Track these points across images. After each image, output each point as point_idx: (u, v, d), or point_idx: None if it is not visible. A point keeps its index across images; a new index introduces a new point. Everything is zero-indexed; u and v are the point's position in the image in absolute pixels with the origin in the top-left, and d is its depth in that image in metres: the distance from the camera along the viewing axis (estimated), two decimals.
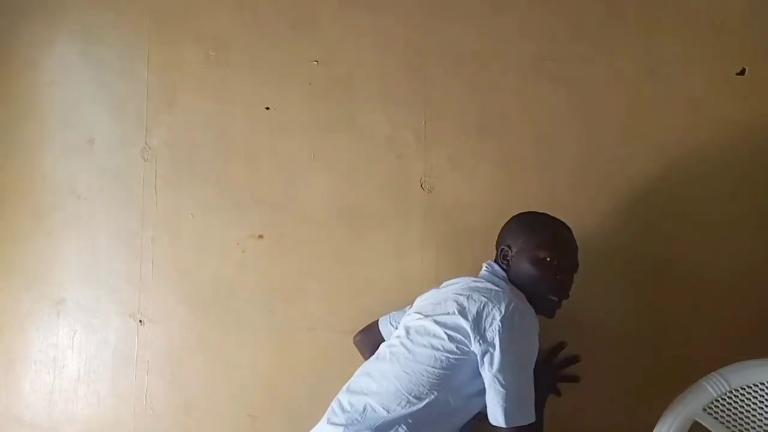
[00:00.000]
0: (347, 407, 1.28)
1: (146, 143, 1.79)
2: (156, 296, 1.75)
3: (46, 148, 1.85)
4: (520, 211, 1.42)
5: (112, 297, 1.78)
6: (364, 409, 1.25)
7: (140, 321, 1.76)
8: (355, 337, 1.57)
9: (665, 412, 1.23)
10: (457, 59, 1.66)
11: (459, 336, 1.23)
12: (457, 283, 1.36)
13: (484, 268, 1.39)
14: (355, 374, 1.37)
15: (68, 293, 1.80)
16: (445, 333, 1.24)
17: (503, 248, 1.36)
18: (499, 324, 1.19)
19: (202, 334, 1.72)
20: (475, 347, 1.21)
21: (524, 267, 1.31)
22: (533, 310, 1.25)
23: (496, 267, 1.37)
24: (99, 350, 1.78)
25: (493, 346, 1.19)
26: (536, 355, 1.24)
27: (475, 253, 1.56)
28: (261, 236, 1.71)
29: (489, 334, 1.20)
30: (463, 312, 1.24)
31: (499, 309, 1.21)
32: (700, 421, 1.22)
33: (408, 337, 1.31)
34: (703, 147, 1.55)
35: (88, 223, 1.80)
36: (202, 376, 1.71)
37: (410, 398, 1.23)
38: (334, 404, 1.32)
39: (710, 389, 1.20)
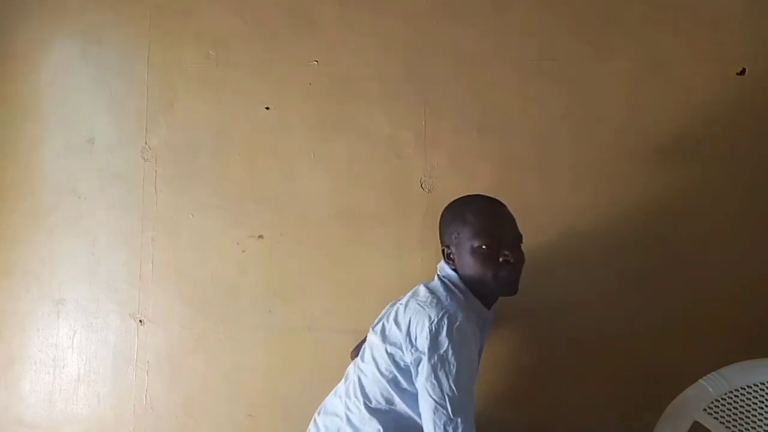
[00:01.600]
0: (322, 429, 1.32)
1: (146, 143, 1.79)
2: (156, 296, 1.75)
3: (46, 148, 1.85)
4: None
5: (112, 297, 1.78)
6: (338, 430, 1.28)
7: (140, 321, 1.76)
8: (352, 352, 1.56)
9: (665, 412, 1.23)
10: (457, 59, 1.66)
11: (395, 349, 1.23)
12: (410, 292, 1.33)
13: (438, 270, 1.35)
14: (329, 394, 1.40)
15: (68, 293, 1.80)
16: (385, 348, 1.24)
17: (443, 249, 1.32)
18: (428, 331, 1.17)
19: (201, 333, 1.72)
20: (408, 357, 1.20)
21: (466, 260, 1.25)
22: (468, 319, 1.20)
23: (447, 269, 1.31)
24: (99, 350, 1.78)
25: (423, 354, 1.17)
26: (472, 363, 1.19)
27: None
28: (261, 236, 1.71)
29: (419, 342, 1.19)
30: (398, 322, 1.24)
31: (429, 316, 1.19)
32: (700, 421, 1.22)
33: (362, 356, 1.32)
34: (703, 147, 1.55)
35: (88, 222, 1.80)
36: (202, 376, 1.71)
37: (373, 414, 1.24)
38: (311, 426, 1.35)
39: (710, 389, 1.20)
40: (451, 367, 1.15)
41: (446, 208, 1.34)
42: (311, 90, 1.71)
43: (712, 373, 1.22)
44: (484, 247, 1.22)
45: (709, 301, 1.52)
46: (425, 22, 1.68)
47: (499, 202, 1.29)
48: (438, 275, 1.33)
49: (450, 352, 1.16)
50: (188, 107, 1.77)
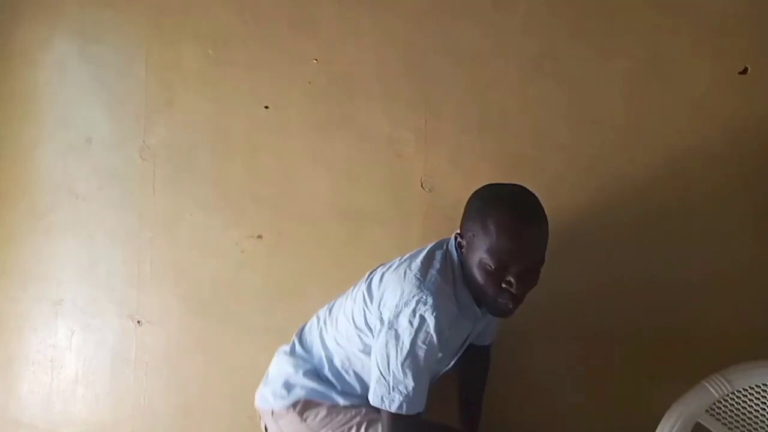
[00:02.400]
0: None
1: (144, 142, 1.78)
2: (154, 297, 1.75)
3: (44, 148, 1.84)
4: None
5: (110, 297, 1.77)
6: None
7: (138, 321, 1.75)
8: None
9: (667, 414, 1.23)
10: (457, 59, 1.65)
11: (368, 304, 1.26)
12: (414, 252, 1.31)
13: (451, 240, 1.28)
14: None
15: (66, 294, 1.80)
16: (363, 293, 1.29)
17: (456, 236, 1.24)
18: (394, 306, 1.17)
19: (200, 334, 1.71)
20: (372, 318, 1.24)
21: (473, 264, 1.17)
22: (445, 310, 1.16)
23: (455, 252, 1.25)
24: (97, 351, 1.77)
25: (383, 323, 1.18)
26: (431, 351, 1.15)
27: None
28: (260, 236, 1.70)
29: (384, 312, 1.20)
30: (382, 281, 1.26)
31: (403, 291, 1.17)
32: (702, 423, 1.21)
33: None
34: (704, 146, 1.55)
35: (86, 222, 1.80)
36: (201, 377, 1.71)
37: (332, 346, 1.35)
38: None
39: (712, 391, 1.20)
40: (403, 349, 1.15)
41: (477, 197, 1.22)
42: (311, 89, 1.71)
43: (715, 374, 1.22)
44: (490, 266, 1.13)
45: (711, 301, 1.52)
46: (425, 22, 1.67)
47: (532, 217, 1.16)
48: (448, 247, 1.27)
49: (406, 334, 1.15)
50: (187, 106, 1.77)
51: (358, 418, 1.29)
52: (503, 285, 1.14)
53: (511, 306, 1.17)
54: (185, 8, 1.78)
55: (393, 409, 1.16)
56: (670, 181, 1.55)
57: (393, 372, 1.15)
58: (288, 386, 1.35)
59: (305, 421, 1.31)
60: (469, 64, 1.65)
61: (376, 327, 1.22)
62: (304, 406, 1.32)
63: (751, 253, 1.52)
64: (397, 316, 1.16)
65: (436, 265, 1.22)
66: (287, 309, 1.67)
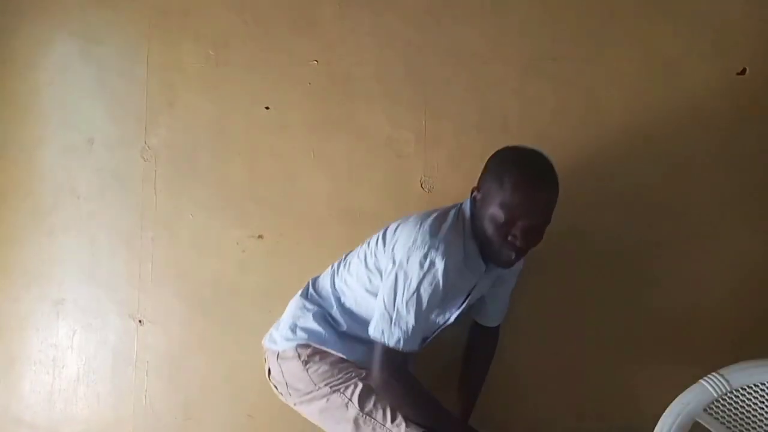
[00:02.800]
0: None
1: (146, 143, 1.79)
2: (155, 296, 1.75)
3: (46, 148, 1.84)
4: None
5: (112, 297, 1.77)
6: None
7: (140, 321, 1.75)
8: None
9: (665, 413, 1.23)
10: (457, 59, 1.66)
11: (381, 248, 1.33)
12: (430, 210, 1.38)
13: (465, 201, 1.36)
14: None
15: (68, 293, 1.80)
16: (378, 241, 1.36)
17: (473, 190, 1.33)
18: (407, 248, 1.24)
19: (201, 334, 1.72)
20: (382, 261, 1.30)
21: (484, 216, 1.25)
22: (454, 260, 1.24)
23: (468, 206, 1.33)
24: (98, 350, 1.78)
25: (394, 262, 1.25)
26: (434, 297, 1.23)
27: None
28: (261, 236, 1.71)
29: (396, 251, 1.27)
30: (396, 230, 1.33)
31: (416, 238, 1.24)
32: (700, 422, 1.21)
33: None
34: (703, 147, 1.55)
35: (88, 223, 1.80)
36: (202, 376, 1.71)
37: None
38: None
39: (711, 389, 1.20)
40: (410, 288, 1.22)
41: (498, 156, 1.31)
42: (311, 90, 1.71)
43: (713, 373, 1.22)
44: (500, 219, 1.22)
45: (711, 300, 1.52)
46: (425, 22, 1.67)
47: (544, 180, 1.25)
48: (462, 206, 1.35)
49: (415, 275, 1.22)
50: (188, 107, 1.77)
51: (356, 380, 1.32)
52: (509, 238, 1.23)
53: (513, 257, 1.26)
54: (186, 9, 1.79)
55: (391, 343, 1.22)
56: (669, 181, 1.55)
57: (397, 308, 1.22)
58: (294, 328, 1.38)
59: (307, 370, 1.34)
60: (469, 65, 1.65)
61: (386, 269, 1.28)
62: (309, 355, 1.34)
63: (751, 252, 1.52)
64: (408, 257, 1.23)
65: (449, 219, 1.30)
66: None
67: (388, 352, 1.23)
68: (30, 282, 1.83)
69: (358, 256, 1.39)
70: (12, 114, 1.87)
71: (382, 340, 1.23)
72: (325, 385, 1.33)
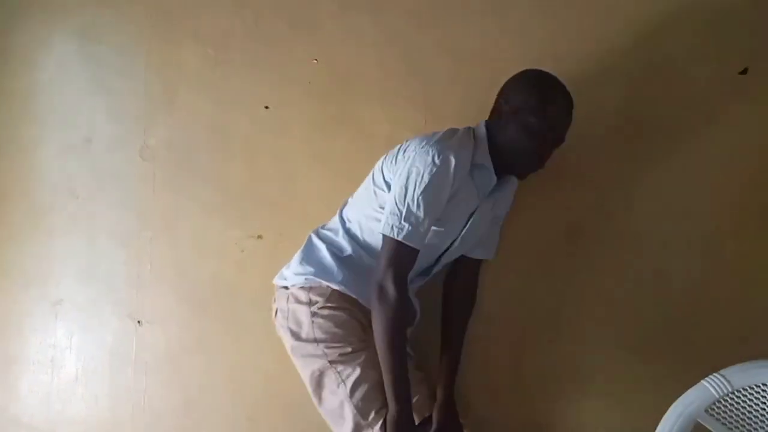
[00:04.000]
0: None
1: (145, 143, 1.78)
2: (154, 296, 1.75)
3: (44, 148, 1.84)
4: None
5: (110, 297, 1.77)
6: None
7: (138, 321, 1.75)
8: None
9: (666, 414, 1.22)
10: (457, 59, 1.65)
11: (386, 166, 1.38)
12: None
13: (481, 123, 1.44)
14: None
15: (66, 294, 1.80)
16: (382, 167, 1.40)
17: (499, 101, 1.39)
18: (419, 147, 1.30)
19: (200, 334, 1.71)
20: (389, 169, 1.36)
21: (511, 128, 1.34)
22: (465, 162, 1.31)
23: (482, 125, 1.41)
24: (97, 351, 1.77)
25: (407, 161, 1.30)
26: (441, 193, 1.28)
27: None
28: (260, 236, 1.71)
29: (407, 152, 1.32)
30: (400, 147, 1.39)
31: (426, 140, 1.31)
32: (702, 423, 1.21)
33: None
34: (703, 147, 1.55)
35: (86, 223, 1.80)
36: (201, 377, 1.71)
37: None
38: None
39: (712, 390, 1.20)
40: (422, 182, 1.26)
41: (524, 75, 1.39)
42: (311, 89, 1.71)
43: (714, 374, 1.21)
44: (535, 128, 1.31)
45: (711, 300, 1.52)
46: (425, 22, 1.67)
47: (568, 96, 1.37)
48: (473, 128, 1.42)
49: (427, 170, 1.26)
50: (187, 106, 1.77)
51: (355, 364, 1.31)
52: (541, 147, 1.34)
53: (537, 165, 1.38)
54: (186, 8, 1.78)
55: (401, 237, 1.26)
56: (669, 181, 1.55)
57: (408, 203, 1.26)
58: (302, 260, 1.42)
59: (313, 321, 1.35)
60: (469, 64, 1.65)
61: (397, 171, 1.32)
62: (319, 308, 1.35)
63: (752, 252, 1.52)
64: (421, 155, 1.28)
65: (459, 133, 1.38)
66: None
67: (398, 246, 1.26)
68: (28, 282, 1.82)
69: (365, 182, 1.45)
70: (10, 113, 1.87)
71: (392, 234, 1.26)
72: (325, 347, 1.33)
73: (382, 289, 1.27)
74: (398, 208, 1.27)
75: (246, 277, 1.70)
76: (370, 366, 1.31)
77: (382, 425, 1.28)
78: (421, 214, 1.26)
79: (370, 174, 1.44)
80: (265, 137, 1.72)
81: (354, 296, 1.36)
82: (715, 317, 1.51)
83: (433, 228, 1.32)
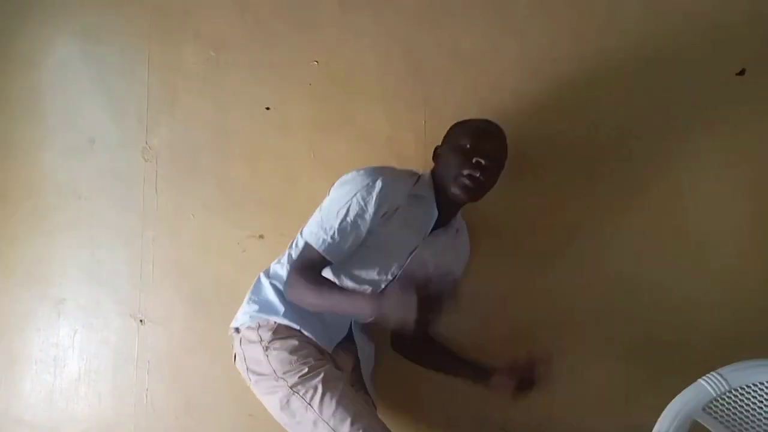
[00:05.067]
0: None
1: (147, 143, 1.79)
2: (156, 296, 1.75)
3: (47, 148, 1.85)
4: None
5: (113, 297, 1.78)
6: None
7: (141, 321, 1.76)
8: None
9: (664, 412, 1.23)
10: (457, 59, 1.66)
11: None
12: None
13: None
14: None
15: (69, 293, 1.81)
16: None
17: (435, 148, 1.47)
18: (350, 175, 1.36)
19: (202, 333, 1.72)
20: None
21: (446, 155, 1.41)
22: (396, 192, 1.35)
23: (427, 171, 1.46)
24: (99, 350, 1.78)
25: (337, 184, 1.37)
26: (362, 217, 1.32)
27: (476, 252, 1.56)
28: (261, 236, 1.71)
29: (338, 181, 1.38)
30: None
31: (361, 169, 1.36)
32: (699, 421, 1.22)
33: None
34: (703, 147, 1.55)
35: (89, 223, 1.80)
36: (203, 376, 1.71)
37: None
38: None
39: (710, 389, 1.20)
40: (345, 198, 1.32)
41: (456, 125, 1.46)
42: (311, 90, 1.71)
43: (712, 372, 1.22)
44: (467, 145, 1.36)
45: (709, 300, 1.52)
46: (425, 22, 1.68)
47: (493, 125, 1.43)
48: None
49: (352, 191, 1.32)
50: (189, 107, 1.77)
51: (316, 383, 1.29)
52: (474, 160, 1.34)
53: (471, 187, 1.36)
54: (187, 9, 1.79)
55: (313, 243, 1.33)
56: (669, 181, 1.56)
57: (329, 213, 1.33)
58: (249, 300, 1.45)
59: (267, 356, 1.35)
60: (469, 65, 1.65)
61: (327, 197, 1.38)
62: (269, 341, 1.36)
63: (750, 253, 1.52)
64: (350, 179, 1.35)
65: (402, 170, 1.43)
66: None
67: (309, 250, 1.33)
68: (31, 282, 1.83)
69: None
70: (13, 114, 1.87)
71: (310, 241, 1.33)
72: (284, 374, 1.32)
73: (292, 282, 1.33)
74: (320, 217, 1.34)
75: (247, 277, 1.69)
76: (331, 380, 1.30)
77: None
78: (336, 224, 1.31)
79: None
80: (266, 138, 1.73)
81: (297, 327, 1.37)
82: (714, 316, 1.52)
83: (368, 248, 1.36)
